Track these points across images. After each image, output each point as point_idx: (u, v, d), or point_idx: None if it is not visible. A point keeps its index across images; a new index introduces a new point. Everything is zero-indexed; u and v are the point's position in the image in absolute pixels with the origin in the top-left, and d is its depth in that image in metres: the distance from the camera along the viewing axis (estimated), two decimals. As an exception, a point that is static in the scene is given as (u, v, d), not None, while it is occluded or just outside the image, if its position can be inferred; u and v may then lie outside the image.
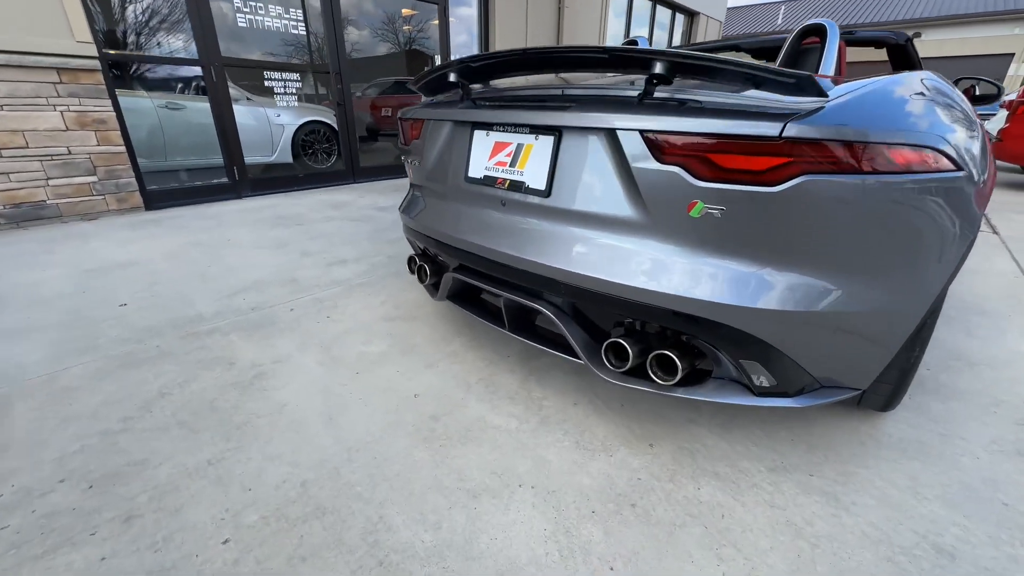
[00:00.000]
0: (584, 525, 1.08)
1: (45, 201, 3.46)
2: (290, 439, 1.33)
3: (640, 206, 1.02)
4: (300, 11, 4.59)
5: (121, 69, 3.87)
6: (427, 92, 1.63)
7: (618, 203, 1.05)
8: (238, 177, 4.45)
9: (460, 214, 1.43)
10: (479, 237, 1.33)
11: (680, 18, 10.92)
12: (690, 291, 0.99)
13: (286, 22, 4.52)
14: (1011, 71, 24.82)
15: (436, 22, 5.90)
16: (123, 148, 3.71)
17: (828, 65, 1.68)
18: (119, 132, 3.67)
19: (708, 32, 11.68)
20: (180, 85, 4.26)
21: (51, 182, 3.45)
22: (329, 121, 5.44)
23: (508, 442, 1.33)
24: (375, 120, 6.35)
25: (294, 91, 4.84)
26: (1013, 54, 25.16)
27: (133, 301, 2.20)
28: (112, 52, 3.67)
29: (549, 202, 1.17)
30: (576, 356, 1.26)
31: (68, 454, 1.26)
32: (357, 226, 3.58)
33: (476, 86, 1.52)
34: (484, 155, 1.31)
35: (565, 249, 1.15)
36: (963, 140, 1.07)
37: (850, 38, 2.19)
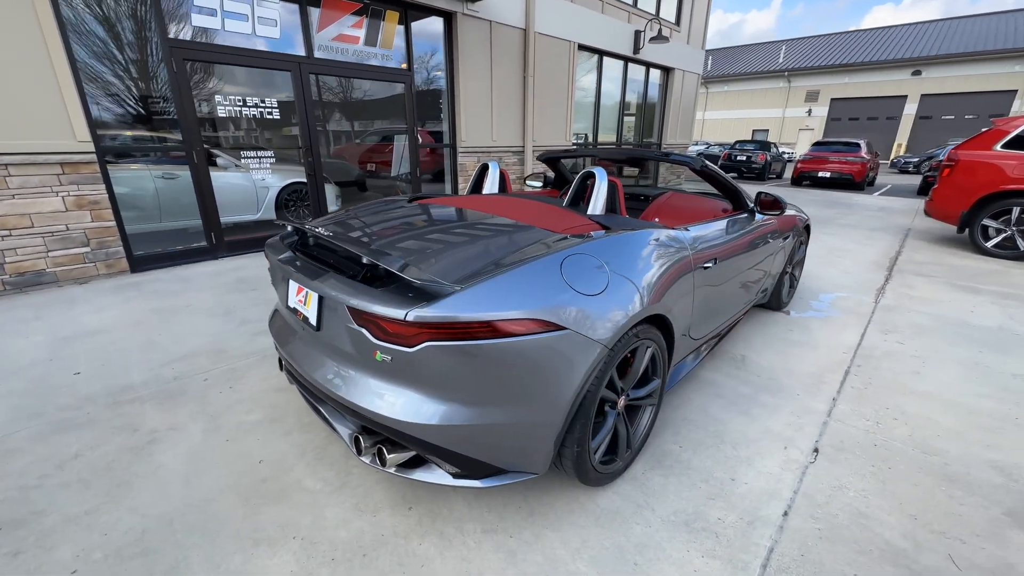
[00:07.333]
0: (321, 571, 1.53)
1: (45, 270, 4.15)
2: (151, 494, 1.83)
3: (356, 347, 1.52)
4: (274, 100, 5.36)
5: (119, 154, 4.63)
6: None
7: (348, 343, 1.55)
8: (215, 240, 5.14)
9: (287, 330, 1.95)
10: (292, 352, 1.84)
11: (656, 73, 11.61)
12: (382, 409, 1.47)
13: (262, 110, 5.28)
14: (1015, 108, 24.63)
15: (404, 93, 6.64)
16: (113, 223, 4.42)
17: (597, 205, 2.18)
18: (111, 210, 4.38)
19: (685, 85, 12.33)
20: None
21: (51, 254, 4.16)
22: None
23: (306, 501, 1.80)
24: (363, 172, 7.22)
25: (270, 161, 5.57)
26: (1016, 91, 24.99)
27: (87, 370, 2.77)
28: (108, 145, 4.43)
29: (320, 336, 1.67)
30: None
31: (-7, 503, 1.78)
32: (301, 291, 4.15)
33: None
34: (293, 291, 1.83)
35: (326, 371, 1.65)
36: (589, 307, 1.53)
37: (664, 160, 2.70)
